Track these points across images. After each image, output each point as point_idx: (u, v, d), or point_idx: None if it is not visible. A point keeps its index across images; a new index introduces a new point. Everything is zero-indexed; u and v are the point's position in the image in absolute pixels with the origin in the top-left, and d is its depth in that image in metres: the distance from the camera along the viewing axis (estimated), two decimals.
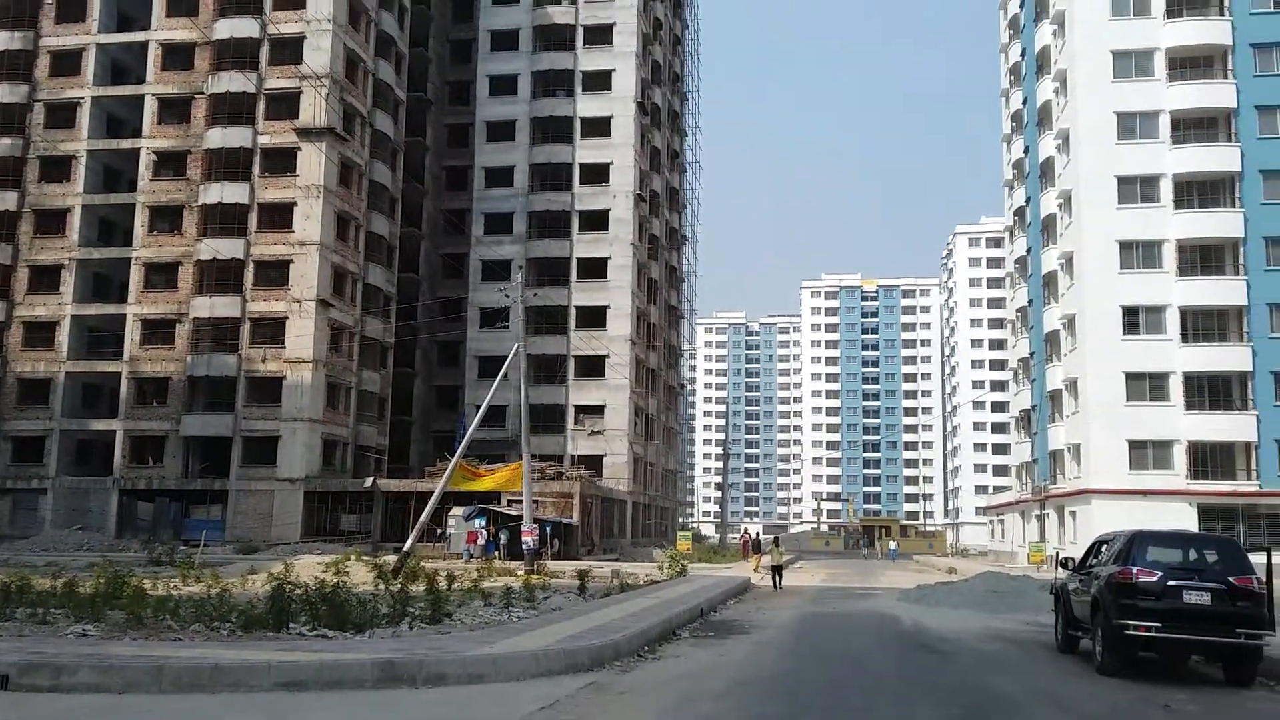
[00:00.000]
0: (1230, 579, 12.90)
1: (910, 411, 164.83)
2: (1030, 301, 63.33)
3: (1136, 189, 50.85)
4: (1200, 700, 11.79)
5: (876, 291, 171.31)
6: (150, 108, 56.61)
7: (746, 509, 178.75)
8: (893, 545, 75.26)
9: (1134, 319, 49.94)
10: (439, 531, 45.86)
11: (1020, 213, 66.54)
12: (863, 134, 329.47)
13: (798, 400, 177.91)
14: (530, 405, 37.83)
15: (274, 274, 54.19)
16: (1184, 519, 44.59)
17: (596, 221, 65.91)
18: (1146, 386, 49.37)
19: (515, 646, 12.57)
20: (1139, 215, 50.39)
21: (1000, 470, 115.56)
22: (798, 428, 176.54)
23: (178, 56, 57.17)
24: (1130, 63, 51.85)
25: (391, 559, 29.51)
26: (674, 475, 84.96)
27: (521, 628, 14.99)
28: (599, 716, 9.78)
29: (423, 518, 32.80)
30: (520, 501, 37.49)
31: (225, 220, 54.51)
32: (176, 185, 55.82)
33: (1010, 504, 68.93)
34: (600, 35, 67.91)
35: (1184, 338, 49.41)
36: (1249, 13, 50.94)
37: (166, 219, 56.07)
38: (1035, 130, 60.56)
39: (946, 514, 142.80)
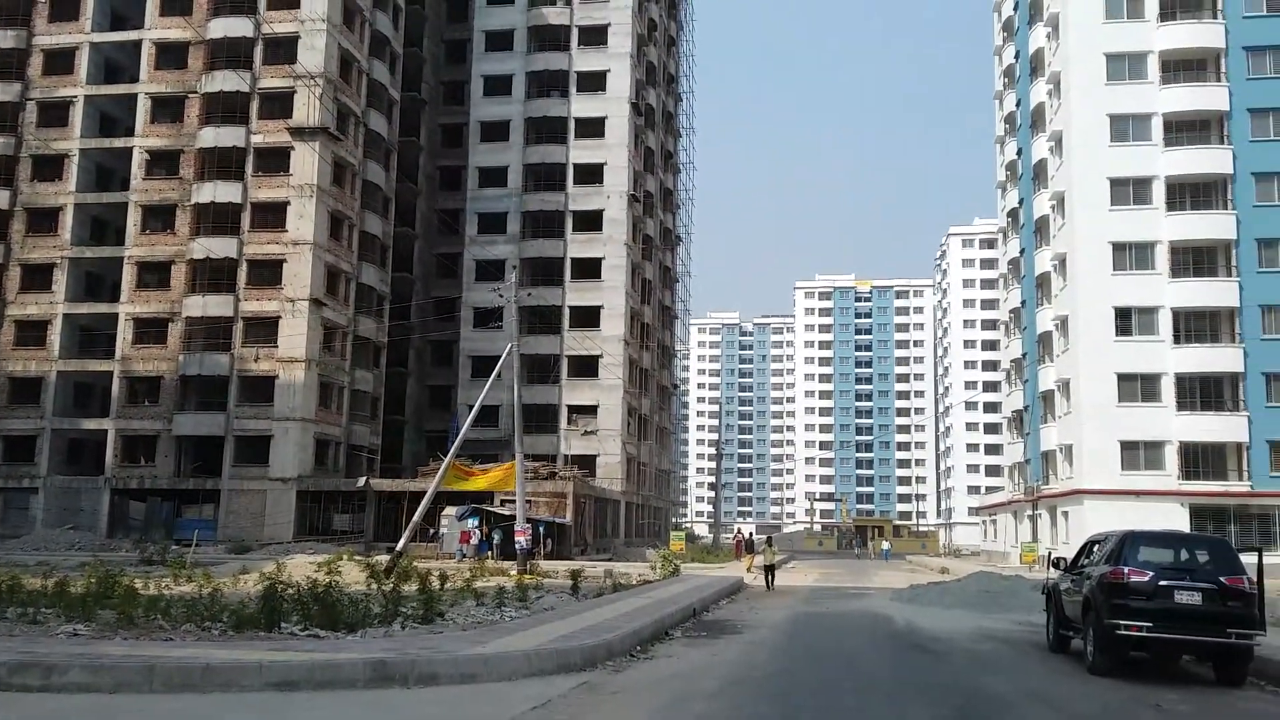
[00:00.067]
0: (1221, 579, 12.95)
1: (903, 412, 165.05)
2: (1023, 302, 63.46)
3: (1129, 191, 50.98)
4: (1191, 700, 11.83)
5: (870, 292, 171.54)
6: (143, 107, 56.48)
7: (740, 509, 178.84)
8: (886, 545, 75.38)
9: (1126, 320, 50.05)
10: (432, 531, 45.78)
11: (1013, 214, 66.67)
12: (857, 135, 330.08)
13: (791, 400, 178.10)
14: (524, 405, 37.79)
15: (267, 273, 54.09)
16: (1176, 519, 44.68)
17: (590, 222, 65.91)
18: (1138, 387, 49.49)
19: (507, 646, 12.56)
20: (1132, 217, 50.50)
21: (993, 470, 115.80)
22: (791, 428, 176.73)
23: (171, 55, 57.05)
24: (1124, 65, 51.98)
25: (384, 559, 29.46)
26: (667, 475, 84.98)
27: (514, 627, 14.98)
28: (591, 716, 9.77)
29: (415, 517, 32.76)
30: (513, 501, 37.44)
31: (218, 219, 54.41)
32: (169, 184, 55.69)
33: (1003, 504, 69.05)
34: (595, 36, 67.91)
35: (1176, 339, 49.54)
36: (1242, 16, 51.09)
37: (159, 218, 55.95)
38: (1029, 132, 60.69)
39: (939, 514, 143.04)
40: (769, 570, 31.68)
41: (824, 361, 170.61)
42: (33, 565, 27.18)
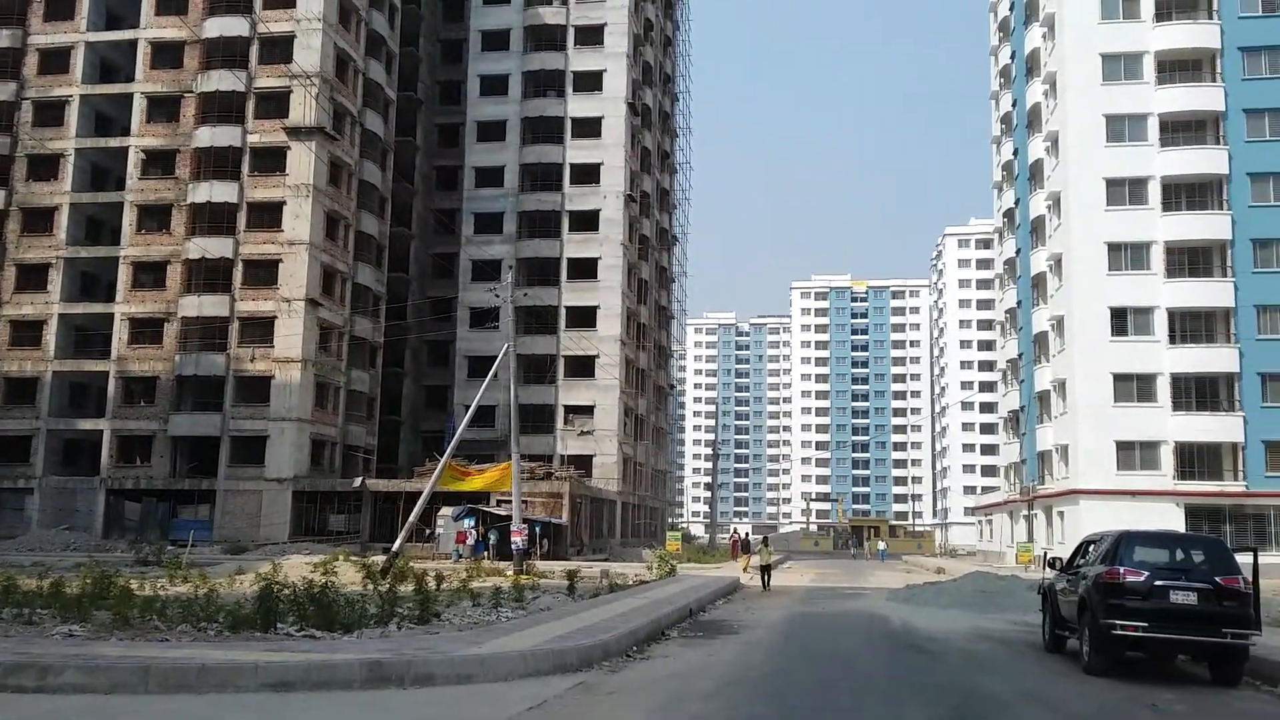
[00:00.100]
0: (1217, 579, 12.96)
1: (899, 412, 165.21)
2: (1019, 303, 63.52)
3: (1125, 191, 51.03)
4: (1187, 700, 11.84)
5: (866, 292, 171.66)
6: (139, 106, 56.41)
7: (736, 509, 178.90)
8: (881, 545, 75.42)
9: (1122, 320, 50.10)
10: (428, 532, 45.72)
11: (1009, 214, 66.72)
12: (853, 136, 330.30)
13: (787, 401, 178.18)
14: (520, 405, 37.78)
15: (263, 273, 54.04)
16: (1171, 519, 44.72)
17: (587, 222, 65.90)
18: (1134, 387, 49.54)
19: (503, 647, 12.56)
20: (1127, 217, 50.55)
21: (989, 471, 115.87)
22: (787, 428, 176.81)
23: (167, 55, 56.98)
24: (1119, 65, 52.03)
25: (380, 559, 29.44)
26: (663, 475, 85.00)
27: (510, 628, 14.97)
28: (587, 717, 9.78)
29: (411, 518, 32.72)
30: (509, 501, 37.44)
31: (214, 219, 54.35)
32: (165, 184, 55.62)
33: (998, 504, 69.11)
34: (591, 36, 67.90)
35: (1172, 339, 49.59)
36: (1238, 16, 51.15)
37: (155, 218, 55.87)
38: (1025, 132, 60.74)
39: (935, 514, 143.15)
40: (765, 570, 31.69)
41: (820, 362, 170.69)
42: (28, 566, 27.10)
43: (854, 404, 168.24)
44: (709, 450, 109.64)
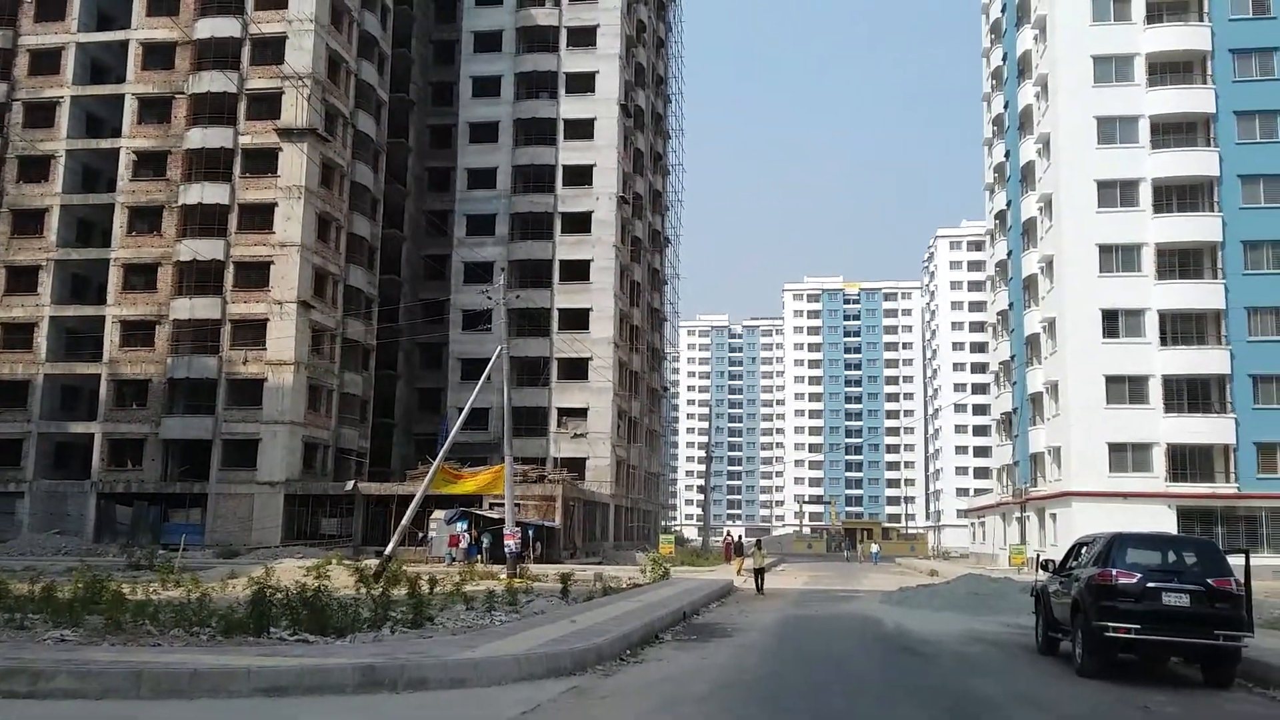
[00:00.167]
0: (1209, 581, 13.00)
1: (892, 414, 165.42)
2: (1011, 305, 63.64)
3: (1116, 193, 51.17)
4: (1179, 702, 11.87)
5: (858, 294, 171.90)
6: (130, 107, 56.26)
7: (729, 512, 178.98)
8: (875, 548, 75.51)
9: (1113, 322, 50.22)
10: (421, 535, 45.68)
11: (1001, 216, 66.87)
12: (845, 138, 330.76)
13: (780, 403, 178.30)
14: (513, 408, 37.75)
15: (255, 275, 53.91)
16: (1163, 521, 44.85)
17: (579, 223, 65.86)
18: (1126, 389, 49.67)
19: (497, 650, 12.54)
20: (1118, 219, 50.70)
21: (981, 473, 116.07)
22: (780, 430, 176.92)
23: (158, 56, 56.83)
24: (1110, 68, 52.20)
25: (373, 563, 29.38)
26: (657, 478, 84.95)
27: (504, 631, 14.96)
28: None
29: (404, 521, 32.66)
30: (502, 504, 37.38)
31: (205, 221, 54.21)
32: (156, 186, 55.47)
33: (991, 506, 69.22)
34: (583, 37, 67.89)
35: (1163, 341, 49.73)
36: (1228, 18, 51.34)
37: (146, 220, 55.71)
38: (1016, 134, 60.88)
39: (928, 516, 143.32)
40: (758, 573, 31.69)
41: (813, 364, 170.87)
42: (19, 570, 27.00)
43: (847, 406, 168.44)
44: (702, 453, 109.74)
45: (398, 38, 66.48)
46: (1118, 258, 50.67)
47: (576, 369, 63.98)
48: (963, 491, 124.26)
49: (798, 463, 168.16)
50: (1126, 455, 49.18)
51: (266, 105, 55.08)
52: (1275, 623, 19.69)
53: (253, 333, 53.23)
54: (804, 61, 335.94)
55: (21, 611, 14.92)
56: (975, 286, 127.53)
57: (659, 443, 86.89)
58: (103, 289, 55.36)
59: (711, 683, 12.12)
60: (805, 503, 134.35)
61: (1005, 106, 64.89)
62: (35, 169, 56.39)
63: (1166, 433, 48.87)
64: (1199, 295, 49.85)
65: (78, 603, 15.09)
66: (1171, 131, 51.56)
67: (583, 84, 67.26)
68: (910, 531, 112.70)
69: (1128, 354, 49.57)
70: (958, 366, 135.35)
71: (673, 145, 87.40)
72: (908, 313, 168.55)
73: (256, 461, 52.19)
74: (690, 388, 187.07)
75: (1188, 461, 48.98)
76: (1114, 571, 13.25)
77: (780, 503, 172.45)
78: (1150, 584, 13.05)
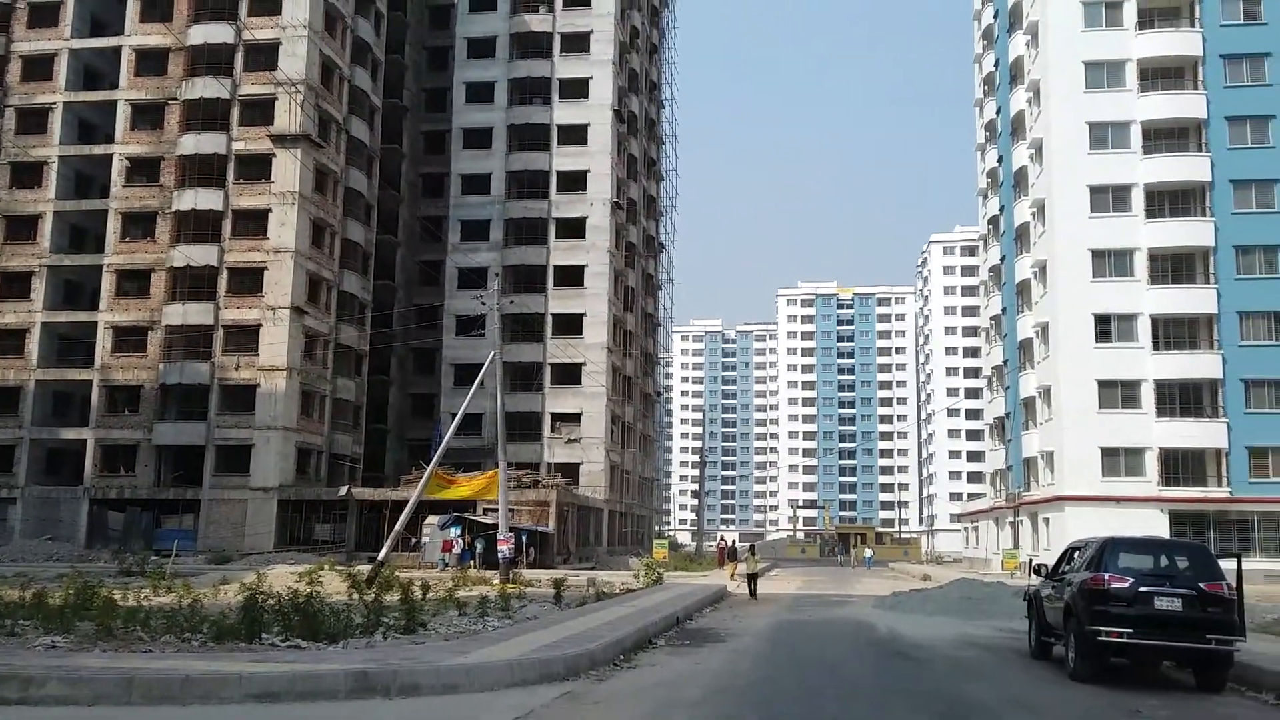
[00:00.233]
0: (1201, 585, 13.02)
1: (885, 419, 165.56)
2: (1004, 309, 63.75)
3: (1108, 198, 51.31)
4: (1171, 706, 11.88)
5: (852, 299, 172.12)
6: (123, 113, 56.17)
7: (723, 517, 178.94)
8: (868, 552, 75.50)
9: (1106, 327, 50.34)
10: (414, 541, 45.62)
11: (994, 221, 67.02)
12: (838, 143, 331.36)
13: (774, 408, 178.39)
14: (506, 413, 37.71)
15: (248, 281, 53.83)
16: (1156, 525, 44.91)
17: (573, 229, 65.88)
18: (1119, 394, 49.77)
19: (490, 656, 12.53)
20: (1111, 224, 50.85)
21: (975, 477, 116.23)
22: (774, 435, 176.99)
23: (151, 62, 56.76)
24: (1102, 73, 52.36)
25: (366, 569, 29.30)
26: (650, 483, 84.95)
27: (496, 637, 14.94)
28: None
29: (397, 527, 32.63)
30: (496, 510, 37.34)
31: (199, 227, 54.14)
32: (149, 191, 55.38)
33: (984, 511, 69.29)
34: (577, 43, 67.97)
35: (1155, 345, 49.84)
36: (1219, 24, 51.53)
37: (139, 225, 55.61)
38: (1009, 140, 61.04)
39: (921, 521, 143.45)
40: (752, 578, 31.67)
41: (806, 369, 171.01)
42: (10, 576, 26.88)
43: (840, 411, 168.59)
44: (696, 458, 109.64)
45: (391, 44, 66.50)
46: (1110, 263, 50.80)
47: (570, 374, 63.99)
48: (956, 496, 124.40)
49: (791, 467, 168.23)
50: (1119, 460, 49.27)
51: (260, 111, 55.05)
52: (1267, 627, 19.75)
53: (246, 338, 53.16)
54: (797, 67, 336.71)
55: (12, 618, 14.88)
56: (969, 291, 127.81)
57: (653, 448, 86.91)
58: (95, 295, 55.25)
59: (705, 688, 12.11)
60: (799, 507, 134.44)
61: (998, 112, 65.06)
62: (28, 175, 56.27)
63: (1159, 437, 48.99)
64: (1191, 300, 49.98)
65: (69, 609, 15.05)
66: (1163, 137, 51.73)
67: (576, 90, 67.33)
68: (904, 536, 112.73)
69: (1120, 359, 49.68)
70: (951, 371, 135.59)
71: (666, 151, 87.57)
72: (901, 318, 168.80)
73: (249, 467, 52.07)
74: (684, 392, 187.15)
75: (1180, 466, 49.09)
76: (1106, 576, 13.27)
77: (774, 507, 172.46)
78: (1142, 588, 13.07)
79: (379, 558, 31.08)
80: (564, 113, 67.02)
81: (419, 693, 10.82)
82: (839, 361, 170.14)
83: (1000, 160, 64.31)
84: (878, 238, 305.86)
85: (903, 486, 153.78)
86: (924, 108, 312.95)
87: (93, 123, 57.77)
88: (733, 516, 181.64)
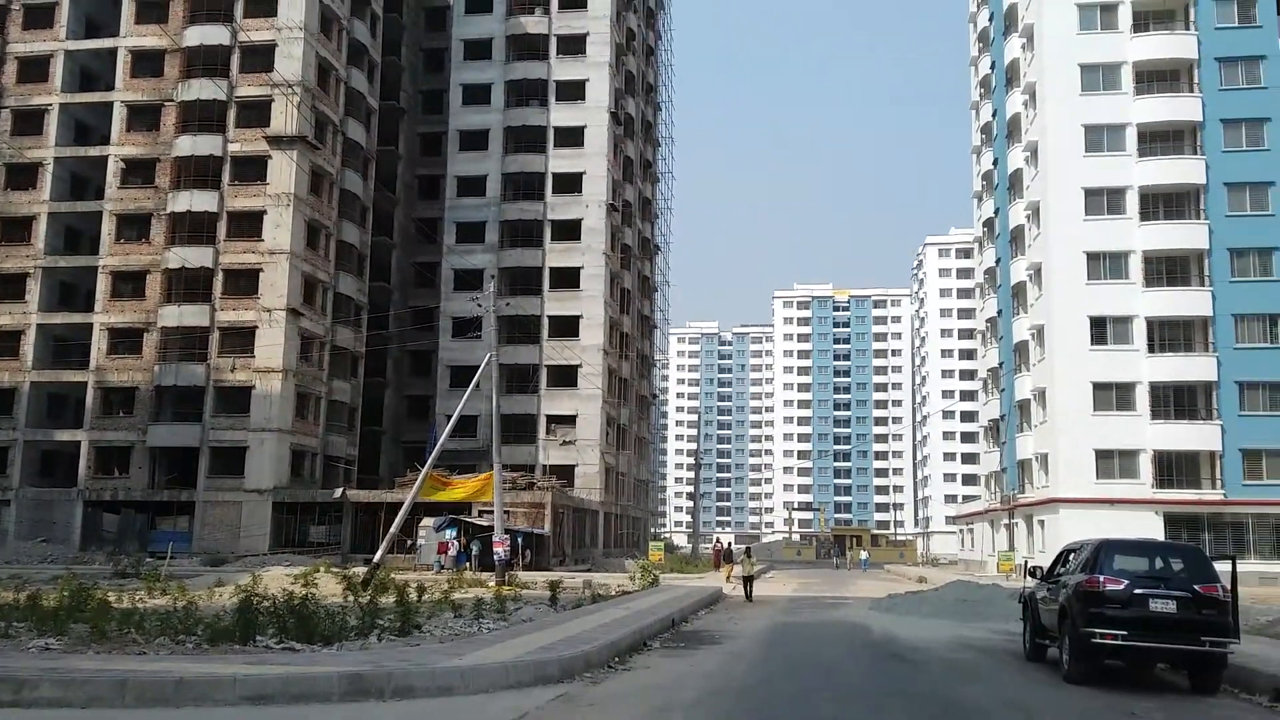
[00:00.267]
0: (1196, 587, 13.03)
1: (881, 421, 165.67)
2: (999, 312, 63.82)
3: (1104, 201, 51.39)
4: (1166, 708, 11.89)
5: (848, 301, 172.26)
6: (119, 115, 56.13)
7: (718, 519, 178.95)
8: (864, 554, 75.58)
9: (1101, 329, 50.41)
10: (409, 543, 45.57)
11: (989, 224, 67.10)
12: (834, 145, 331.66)
13: (769, 410, 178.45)
14: (502, 415, 37.69)
15: (243, 283, 53.80)
16: (1150, 528, 44.95)
17: (569, 231, 65.88)
18: (1113, 396, 49.84)
19: (485, 658, 12.52)
20: (1106, 227, 50.92)
21: (970, 479, 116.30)
22: (769, 437, 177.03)
23: (147, 63, 56.72)
24: (1098, 76, 52.45)
25: (361, 571, 29.28)
26: (646, 485, 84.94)
27: (492, 639, 14.93)
28: None
29: (393, 529, 32.61)
30: (491, 512, 37.34)
31: (194, 228, 54.10)
32: (145, 193, 55.33)
33: (979, 513, 69.35)
34: (573, 45, 68.00)
35: (1150, 348, 49.90)
36: (1214, 27, 51.63)
37: (134, 227, 55.56)
38: (1004, 142, 61.11)
39: (917, 523, 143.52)
40: (748, 580, 31.67)
41: (802, 371, 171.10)
42: (4, 578, 26.80)
43: (836, 413, 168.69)
44: (691, 460, 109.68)
45: (388, 46, 66.49)
46: (1105, 265, 50.87)
47: (566, 376, 63.98)
48: (951, 498, 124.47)
49: (787, 469, 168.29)
50: (1114, 462, 49.33)
51: (256, 113, 55.00)
52: (1262, 629, 19.77)
53: (241, 340, 53.11)
54: (792, 70, 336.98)
55: (6, 620, 14.85)
56: (964, 294, 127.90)
57: (648, 450, 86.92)
58: (90, 296, 55.17)
59: (700, 690, 12.11)
60: (795, 509, 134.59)
61: (993, 115, 65.14)
62: (23, 176, 56.20)
63: (1153, 439, 49.05)
64: (1186, 302, 50.04)
65: (63, 611, 15.01)
66: (1158, 140, 51.82)
67: (573, 92, 67.36)
68: (899, 538, 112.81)
69: (1115, 361, 49.75)
70: (946, 373, 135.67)
71: (662, 153, 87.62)
72: (897, 320, 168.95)
73: (244, 469, 52.01)
74: (680, 395, 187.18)
75: (1174, 468, 49.15)
76: (1101, 578, 13.27)
77: (770, 509, 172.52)
78: (1137, 590, 13.07)
79: (374, 560, 31.06)
80: (560, 115, 67.04)
81: (414, 695, 10.81)
82: (834, 364, 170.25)
83: (996, 163, 64.38)
84: (873, 240, 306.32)
85: (898, 489, 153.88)
86: (919, 110, 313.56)
87: (88, 124, 57.71)
88: (728, 519, 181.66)
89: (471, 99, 68.23)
